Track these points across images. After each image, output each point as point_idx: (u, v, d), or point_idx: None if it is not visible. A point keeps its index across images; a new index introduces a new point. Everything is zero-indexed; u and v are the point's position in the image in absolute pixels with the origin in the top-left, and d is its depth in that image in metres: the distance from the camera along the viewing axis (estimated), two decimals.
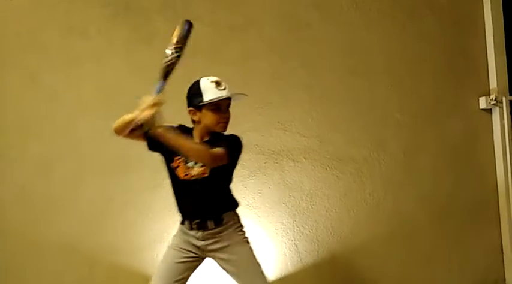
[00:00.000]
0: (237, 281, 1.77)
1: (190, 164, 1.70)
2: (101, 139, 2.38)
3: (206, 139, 1.72)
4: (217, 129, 1.70)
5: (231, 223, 1.74)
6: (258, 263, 1.74)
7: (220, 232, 1.71)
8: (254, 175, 2.48)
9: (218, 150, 1.61)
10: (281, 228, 2.49)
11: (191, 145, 1.63)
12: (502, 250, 2.70)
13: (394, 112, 2.66)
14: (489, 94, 2.71)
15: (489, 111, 2.74)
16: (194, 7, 2.52)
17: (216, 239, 1.72)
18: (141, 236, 2.38)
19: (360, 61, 2.65)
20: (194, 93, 1.69)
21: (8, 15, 2.44)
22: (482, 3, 2.78)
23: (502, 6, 2.79)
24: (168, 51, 1.66)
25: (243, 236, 1.76)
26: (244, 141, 1.71)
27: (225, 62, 2.45)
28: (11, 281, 2.34)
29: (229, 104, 1.72)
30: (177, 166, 1.73)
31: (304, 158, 2.54)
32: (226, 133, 1.72)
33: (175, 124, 1.71)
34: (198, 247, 1.74)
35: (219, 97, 1.65)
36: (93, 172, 2.38)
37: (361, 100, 2.63)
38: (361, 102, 2.63)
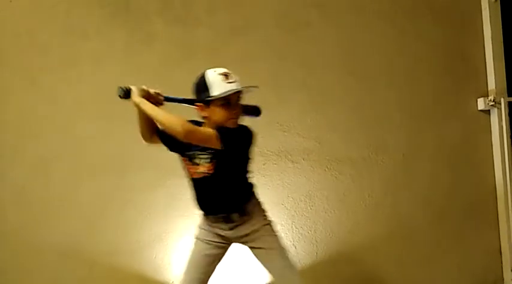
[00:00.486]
0: (266, 264, 1.74)
1: (196, 161, 1.65)
2: (100, 139, 2.40)
3: None
4: (228, 125, 1.59)
5: (255, 210, 1.73)
6: (283, 245, 1.74)
7: (246, 221, 1.69)
8: (253, 176, 2.47)
9: (202, 128, 1.57)
10: (280, 229, 2.44)
11: (164, 114, 1.55)
12: (500, 251, 2.71)
13: (393, 113, 2.67)
14: (487, 96, 2.72)
15: (487, 112, 2.75)
16: (193, 8, 2.53)
17: (243, 227, 1.69)
18: (140, 237, 2.37)
19: (359, 62, 2.65)
20: (201, 87, 1.58)
21: (8, 16, 2.44)
22: (481, 5, 2.79)
23: (500, 8, 2.79)
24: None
25: (267, 220, 1.76)
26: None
27: (224, 63, 2.40)
28: (10, 282, 2.33)
29: (239, 97, 1.60)
30: (186, 165, 1.69)
31: (303, 159, 2.54)
32: None
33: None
34: (225, 237, 1.72)
35: (228, 92, 1.54)
36: (92, 173, 2.38)
37: (360, 101, 2.64)
38: (360, 103, 2.64)
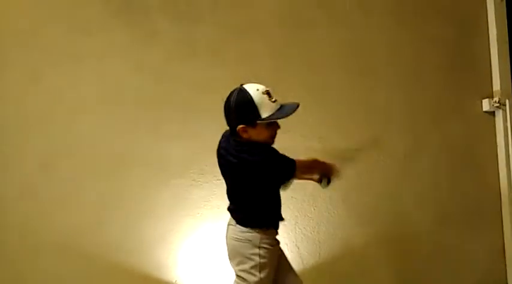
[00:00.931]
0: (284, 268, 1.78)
1: None
2: (104, 137, 2.39)
3: None
4: (270, 141, 1.62)
5: None
6: None
7: None
8: None
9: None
10: (283, 230, 2.44)
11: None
12: (504, 252, 2.70)
13: (397, 114, 2.66)
14: (492, 97, 2.70)
15: (492, 113, 2.73)
16: (197, 6, 2.51)
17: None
18: (144, 235, 2.36)
19: (362, 62, 2.64)
20: (247, 108, 1.53)
21: (10, 13, 2.42)
22: (486, 5, 2.77)
23: (505, 8, 2.78)
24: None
25: None
26: None
27: (227, 62, 2.44)
28: (11, 279, 2.32)
29: None
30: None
31: None
32: None
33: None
34: (278, 248, 1.76)
35: (280, 116, 1.55)
36: (96, 171, 2.37)
37: (363, 101, 2.62)
38: (364, 103, 2.62)
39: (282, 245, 2.41)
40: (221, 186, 2.38)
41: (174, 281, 2.36)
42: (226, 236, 1.73)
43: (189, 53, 2.47)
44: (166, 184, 2.39)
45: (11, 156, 2.36)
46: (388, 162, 2.61)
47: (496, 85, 2.72)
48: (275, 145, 1.67)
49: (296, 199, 2.49)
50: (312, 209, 2.51)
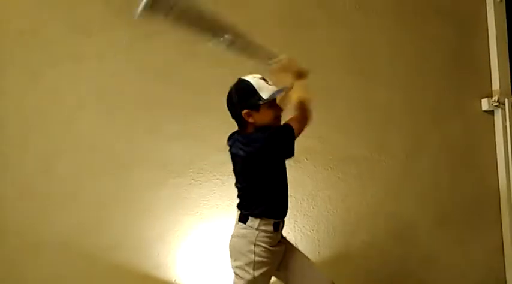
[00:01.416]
0: (297, 266, 1.78)
1: None
2: (104, 136, 2.39)
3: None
4: (276, 123, 1.68)
5: None
6: None
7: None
8: None
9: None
10: None
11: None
12: (503, 251, 2.70)
13: (396, 113, 2.66)
14: (491, 96, 2.71)
15: (491, 112, 2.73)
16: None
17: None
18: (143, 234, 2.37)
19: (362, 62, 2.64)
20: (248, 93, 1.62)
21: (11, 12, 2.43)
22: (486, 5, 2.78)
23: (505, 8, 2.78)
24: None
25: None
26: None
27: (227, 62, 2.43)
28: (11, 279, 2.33)
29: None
30: (282, 166, 1.74)
31: (306, 159, 2.54)
32: None
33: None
34: (280, 251, 1.75)
35: (278, 91, 1.63)
36: (95, 170, 2.38)
37: (363, 100, 2.63)
38: (363, 103, 2.63)
39: None
40: (220, 185, 2.41)
41: (173, 280, 2.36)
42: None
43: (189, 52, 2.47)
44: (166, 183, 2.39)
45: (11, 156, 2.37)
46: (387, 161, 2.62)
47: (495, 85, 2.72)
48: None
49: (295, 198, 2.49)
50: (311, 208, 2.52)
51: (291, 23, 2.59)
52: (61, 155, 2.38)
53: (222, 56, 2.43)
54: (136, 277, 2.33)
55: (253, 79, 1.64)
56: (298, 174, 2.51)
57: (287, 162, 2.50)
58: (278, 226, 1.72)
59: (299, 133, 1.68)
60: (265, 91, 1.61)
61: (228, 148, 1.76)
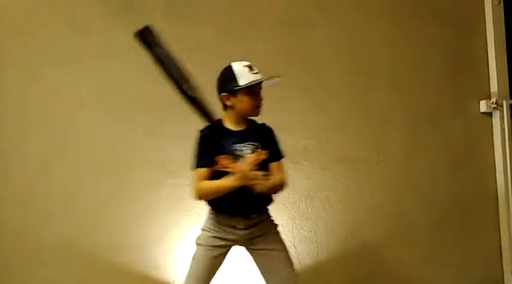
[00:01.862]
0: (268, 271, 1.74)
1: (239, 153, 1.67)
2: (103, 136, 2.40)
3: (243, 127, 1.72)
4: (254, 113, 1.72)
5: (268, 211, 1.78)
6: (289, 254, 1.77)
7: (260, 222, 1.73)
8: None
9: (282, 172, 1.69)
10: (280, 230, 2.46)
11: (274, 183, 1.64)
12: (501, 252, 2.71)
13: (395, 114, 2.67)
14: (490, 98, 2.72)
15: (489, 114, 2.75)
16: (196, 6, 2.52)
17: (257, 228, 1.72)
18: (142, 235, 2.37)
19: (360, 62, 2.65)
20: (228, 77, 1.68)
21: (11, 13, 2.43)
22: (484, 6, 2.79)
23: (503, 9, 2.79)
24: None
25: (275, 224, 1.79)
26: None
27: (226, 62, 2.43)
28: (11, 278, 2.33)
29: (260, 88, 1.73)
30: (224, 164, 1.67)
31: (304, 159, 2.54)
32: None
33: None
34: (234, 240, 1.72)
35: (255, 81, 1.66)
36: (93, 170, 2.38)
37: (362, 101, 2.63)
38: (362, 104, 2.63)
39: None
40: None
41: (171, 281, 2.36)
42: None
43: (188, 53, 2.46)
44: (164, 183, 2.39)
45: (10, 156, 2.37)
46: (386, 162, 2.62)
47: (494, 87, 2.73)
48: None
49: (293, 199, 2.50)
50: (310, 209, 2.52)
51: (290, 23, 2.59)
52: (61, 155, 2.38)
53: (221, 56, 2.46)
54: (135, 278, 2.33)
55: (238, 65, 1.69)
56: (296, 175, 2.51)
57: (286, 162, 2.52)
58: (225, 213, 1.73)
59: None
60: (244, 78, 1.65)
61: None
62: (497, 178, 2.72)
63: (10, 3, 2.43)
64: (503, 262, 2.70)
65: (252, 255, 1.77)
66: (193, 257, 1.76)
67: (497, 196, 2.72)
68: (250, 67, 1.69)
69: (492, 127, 2.74)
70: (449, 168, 2.70)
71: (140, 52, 2.44)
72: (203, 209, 2.37)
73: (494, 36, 2.74)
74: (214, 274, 1.75)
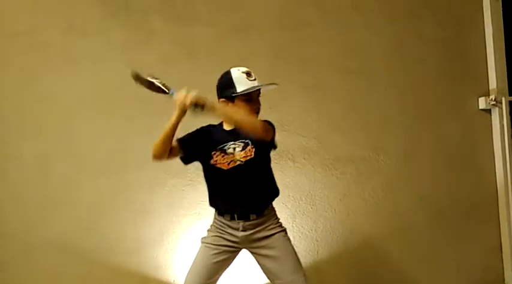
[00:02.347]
0: (273, 276, 1.74)
1: (229, 151, 1.70)
2: (99, 138, 2.39)
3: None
4: None
5: (270, 214, 1.76)
6: (296, 257, 1.77)
7: (260, 224, 1.72)
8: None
9: (264, 122, 1.67)
10: None
11: (245, 116, 1.66)
12: (501, 250, 2.71)
13: (394, 113, 2.66)
14: (488, 95, 2.72)
15: (488, 111, 2.74)
16: (193, 7, 2.52)
17: (257, 230, 1.72)
18: (141, 236, 2.37)
19: (359, 61, 2.65)
20: (226, 84, 1.70)
21: (7, 14, 2.43)
22: (482, 4, 2.78)
23: (501, 7, 2.79)
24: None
25: (282, 227, 1.79)
26: None
27: (224, 62, 2.42)
28: (9, 280, 2.32)
29: (259, 94, 1.75)
30: (216, 160, 1.71)
31: (304, 158, 2.54)
32: None
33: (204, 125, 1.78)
34: (235, 241, 1.73)
35: (252, 88, 1.67)
36: (91, 171, 2.38)
37: (361, 100, 2.63)
38: (361, 103, 2.63)
39: None
40: None
41: (172, 281, 2.36)
42: None
43: (186, 53, 2.48)
44: (164, 184, 2.39)
45: (8, 156, 2.36)
46: (385, 160, 2.62)
47: (492, 84, 2.73)
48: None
49: (294, 198, 2.50)
50: (310, 208, 2.52)
51: (288, 22, 2.59)
52: (59, 155, 2.37)
53: (219, 56, 2.46)
54: (135, 278, 2.33)
55: (236, 71, 1.71)
56: (296, 173, 2.51)
57: (285, 161, 2.52)
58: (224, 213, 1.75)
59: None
60: (242, 85, 1.68)
61: None
62: (496, 175, 2.72)
63: (5, 5, 2.43)
64: (504, 259, 2.69)
65: (255, 258, 1.77)
66: (196, 253, 1.78)
67: (497, 193, 2.72)
68: (248, 73, 1.71)
69: (491, 124, 2.74)
70: (448, 166, 2.70)
71: (138, 52, 2.46)
72: (203, 209, 2.39)
73: (493, 32, 2.73)
74: (216, 275, 1.75)
